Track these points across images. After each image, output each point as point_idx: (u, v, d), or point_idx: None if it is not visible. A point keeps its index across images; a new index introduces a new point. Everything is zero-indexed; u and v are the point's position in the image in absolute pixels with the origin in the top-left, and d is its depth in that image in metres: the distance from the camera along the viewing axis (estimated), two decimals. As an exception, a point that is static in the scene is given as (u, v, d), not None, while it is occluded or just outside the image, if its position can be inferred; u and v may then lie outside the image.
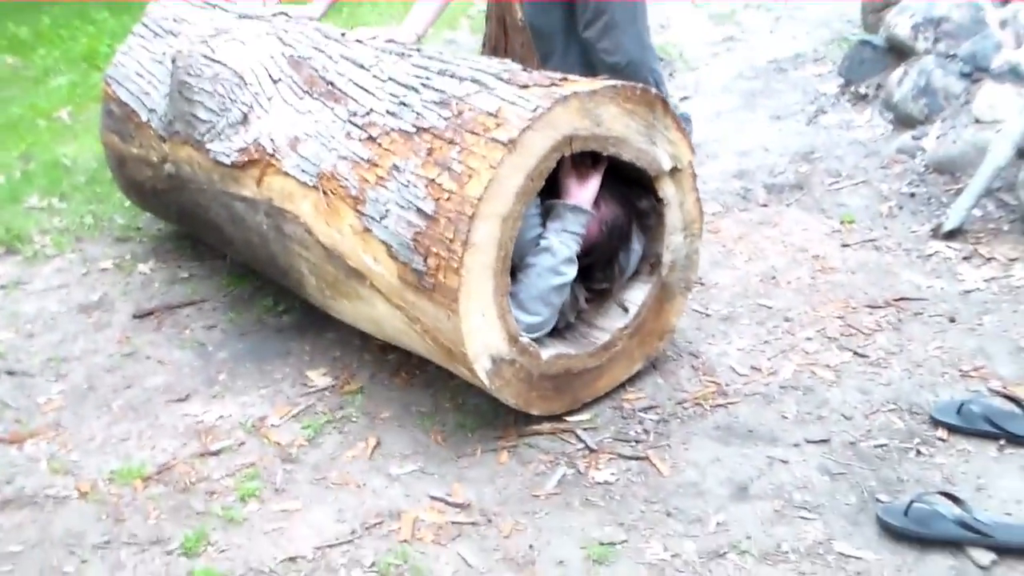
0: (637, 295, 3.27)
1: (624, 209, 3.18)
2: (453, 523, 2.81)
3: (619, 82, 2.92)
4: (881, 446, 2.91)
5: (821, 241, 4.09)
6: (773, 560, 2.56)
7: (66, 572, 2.74)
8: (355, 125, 3.15)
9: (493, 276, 2.81)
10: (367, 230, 2.99)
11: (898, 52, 5.21)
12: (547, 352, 3.05)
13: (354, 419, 3.28)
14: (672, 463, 2.94)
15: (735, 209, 4.46)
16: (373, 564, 2.68)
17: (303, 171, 3.24)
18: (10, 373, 3.71)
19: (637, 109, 2.94)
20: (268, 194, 3.41)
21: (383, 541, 2.77)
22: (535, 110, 2.75)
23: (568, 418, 3.17)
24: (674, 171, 3.11)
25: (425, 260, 2.81)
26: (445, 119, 2.92)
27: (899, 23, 5.15)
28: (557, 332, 3.19)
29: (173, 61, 3.90)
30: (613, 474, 2.93)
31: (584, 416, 3.18)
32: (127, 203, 4.95)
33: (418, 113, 3.00)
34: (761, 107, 5.61)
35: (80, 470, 3.15)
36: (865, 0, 5.96)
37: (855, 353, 3.34)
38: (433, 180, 2.81)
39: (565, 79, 2.93)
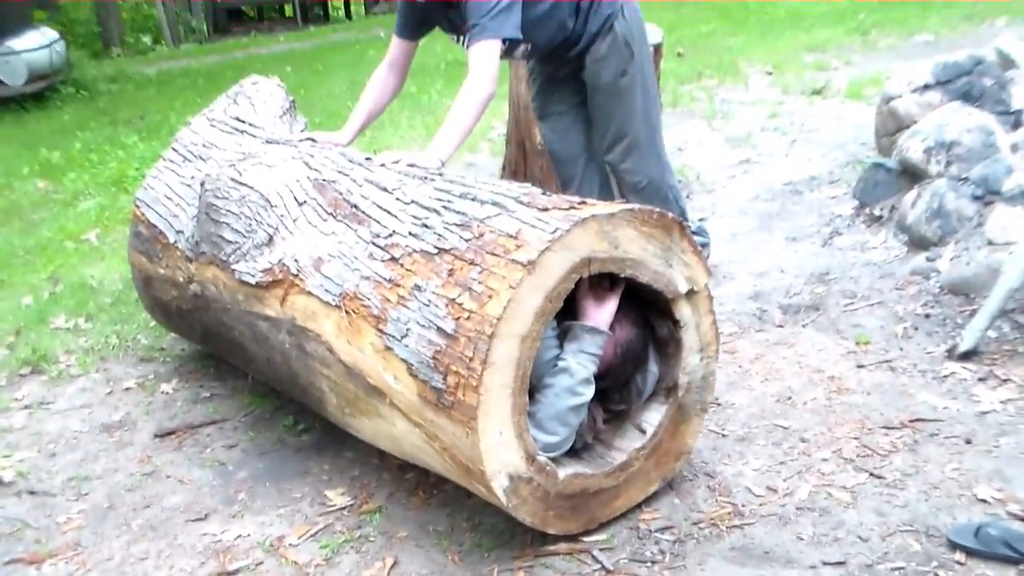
0: (654, 416, 3.30)
1: (640, 331, 3.23)
2: (470, 647, 2.81)
3: (637, 206, 2.99)
4: (898, 569, 2.90)
5: (836, 362, 4.11)
6: None
7: None
8: (378, 247, 3.23)
9: (511, 395, 2.85)
10: (388, 348, 3.04)
11: (911, 175, 5.29)
12: (564, 471, 3.07)
13: (372, 538, 3.29)
14: (688, 584, 2.93)
15: (751, 330, 4.50)
16: None
17: (326, 291, 3.31)
18: (31, 493, 3.74)
19: (654, 232, 3.01)
20: (291, 313, 3.47)
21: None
22: (554, 232, 2.81)
23: (584, 538, 3.17)
24: (690, 293, 3.16)
25: (445, 378, 2.85)
26: (466, 240, 2.98)
27: (911, 146, 5.24)
28: (574, 452, 3.21)
29: (202, 184, 4.01)
30: (629, 596, 2.93)
31: (600, 536, 3.18)
32: (152, 323, 5.04)
33: (439, 235, 3.07)
34: (777, 229, 5.68)
35: (98, 590, 3.17)
36: (878, 124, 6.06)
37: (871, 474, 3.34)
38: (454, 300, 2.87)
39: (584, 202, 3.00)
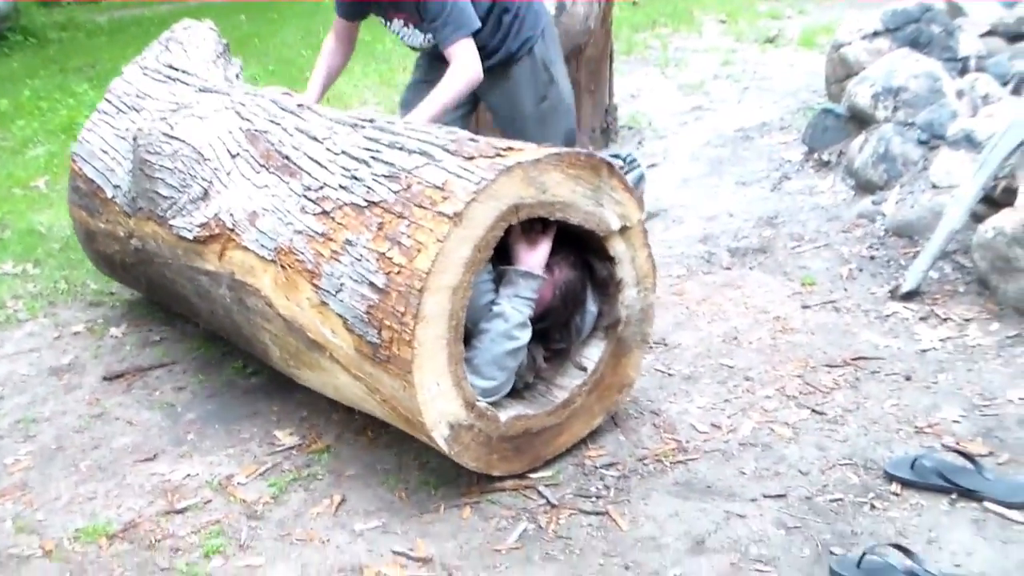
0: (594, 352, 3.33)
1: (577, 272, 3.25)
2: (415, 577, 2.84)
3: (563, 149, 3.01)
4: (836, 500, 2.96)
5: (782, 303, 4.17)
6: (728, 612, 2.60)
7: (28, 628, 2.76)
8: (309, 199, 3.23)
9: (446, 346, 2.87)
10: (324, 303, 3.06)
11: (859, 120, 5.34)
12: (505, 414, 3.11)
13: (320, 477, 3.32)
14: (631, 518, 2.98)
15: (699, 272, 4.55)
16: (334, 618, 2.71)
17: (262, 245, 3.31)
18: (-22, 435, 3.74)
19: (582, 173, 3.02)
20: (230, 268, 3.47)
21: (346, 596, 2.80)
22: (479, 182, 2.82)
23: (531, 475, 3.21)
24: (624, 229, 3.18)
25: (379, 333, 2.87)
26: (395, 193, 2.99)
27: (860, 92, 5.28)
28: (516, 393, 3.24)
29: (134, 139, 3.99)
30: (574, 528, 2.97)
31: (546, 472, 3.22)
32: (100, 269, 5.02)
33: (368, 187, 3.07)
34: (727, 174, 5.73)
35: (45, 529, 3.17)
36: (828, 71, 6.10)
37: (813, 411, 3.40)
38: (384, 254, 2.88)
39: (510, 148, 3.00)
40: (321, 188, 3.21)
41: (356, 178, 3.13)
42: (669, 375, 3.73)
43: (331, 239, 3.07)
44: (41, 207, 6.29)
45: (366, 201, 3.04)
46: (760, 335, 3.93)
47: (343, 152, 3.27)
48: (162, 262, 3.93)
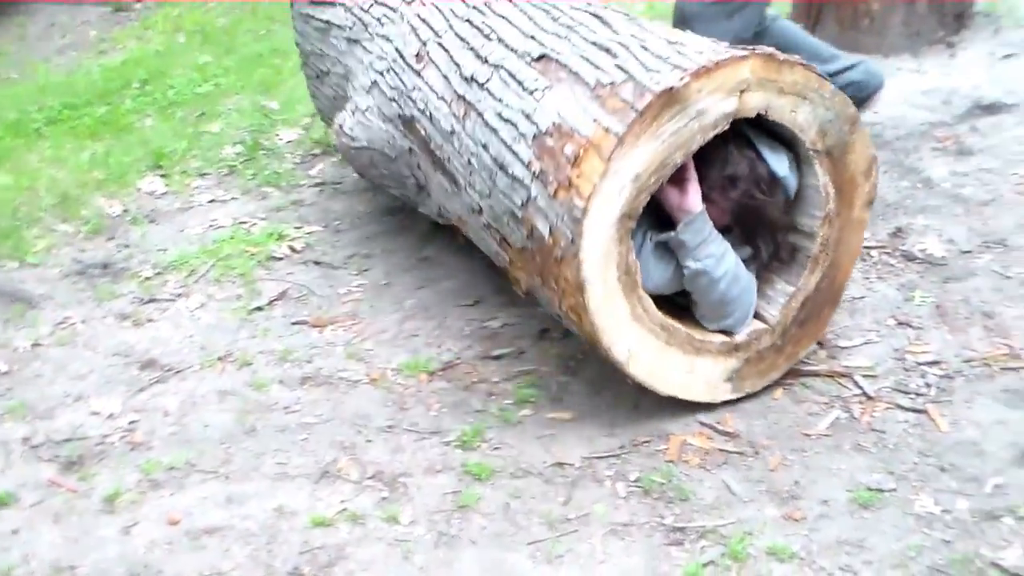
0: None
1: (746, 165, 2.87)
2: (720, 450, 2.84)
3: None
4: None
5: None
6: (1052, 530, 2.46)
7: (352, 448, 2.94)
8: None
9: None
10: None
11: None
12: (775, 307, 3.01)
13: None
14: (952, 420, 2.85)
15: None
16: (637, 479, 2.75)
17: None
18: (317, 263, 3.98)
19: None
20: None
21: (650, 459, 2.83)
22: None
23: (847, 363, 3.12)
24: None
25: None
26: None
27: None
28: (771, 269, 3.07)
29: None
30: (888, 423, 2.88)
31: (864, 363, 3.12)
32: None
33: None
34: (1093, 69, 5.24)
35: (372, 359, 3.36)
36: None
37: None
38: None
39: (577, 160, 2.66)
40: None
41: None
42: (1007, 277, 3.50)
43: None
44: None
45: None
46: (1116, 247, 3.62)
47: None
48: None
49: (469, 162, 3.04)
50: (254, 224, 4.34)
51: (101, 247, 4.28)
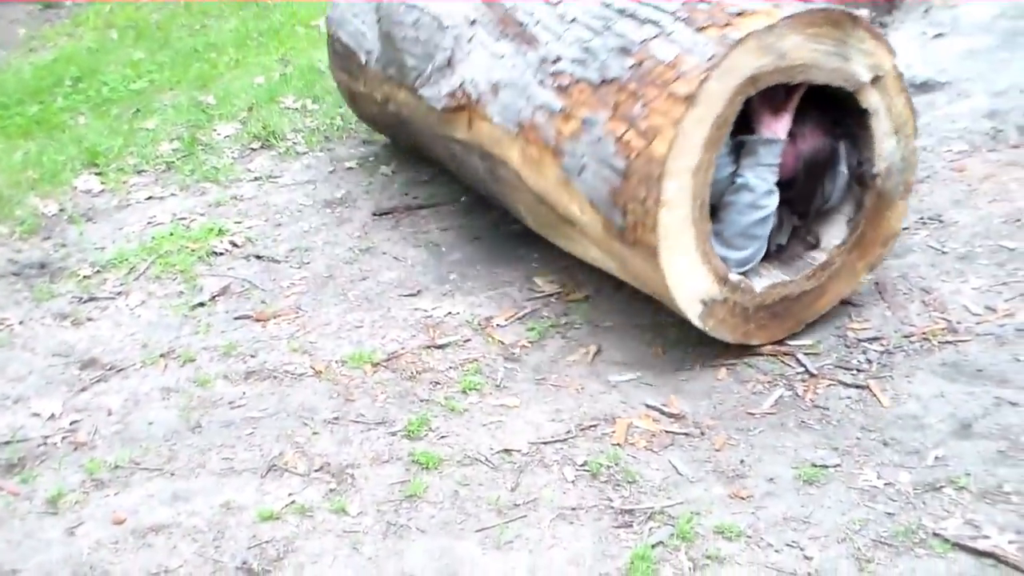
0: (852, 209, 3.20)
1: (826, 139, 3.10)
2: (666, 432, 2.86)
3: (798, 7, 2.82)
4: (1123, 397, 2.78)
5: (1070, 189, 3.88)
6: (992, 499, 2.49)
7: (298, 441, 2.92)
8: (547, 73, 3.18)
9: (692, 226, 2.83)
10: (568, 182, 3.05)
11: None
12: (761, 283, 3.05)
13: (577, 326, 3.35)
14: (893, 394, 2.89)
15: (983, 149, 4.27)
16: (585, 463, 2.76)
17: (506, 119, 3.31)
18: (259, 257, 3.95)
19: (822, 31, 2.84)
20: (479, 139, 3.50)
21: (597, 443, 2.84)
22: (711, 59, 2.70)
23: (790, 342, 3.15)
24: (876, 79, 3.00)
25: (624, 216, 2.85)
26: (627, 69, 2.91)
27: None
28: (771, 257, 3.16)
29: (376, 10, 4.00)
30: (831, 399, 2.91)
31: (806, 340, 3.15)
32: (374, 108, 5.17)
33: (602, 62, 3.00)
34: (1021, 48, 5.32)
35: (316, 351, 3.34)
36: None
37: (1103, 300, 3.19)
38: (621, 138, 2.84)
39: (741, 13, 2.84)
40: (557, 61, 3.16)
41: (589, 50, 3.06)
42: (943, 253, 3.55)
43: (571, 117, 3.03)
44: (321, 45, 6.40)
45: (600, 78, 2.98)
46: (1047, 218, 3.68)
47: (575, 20, 3.20)
48: (418, 128, 4.01)
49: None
50: (193, 220, 4.30)
51: (37, 247, 4.22)
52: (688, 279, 2.89)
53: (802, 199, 3.16)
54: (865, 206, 3.17)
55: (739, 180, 3.00)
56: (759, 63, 2.76)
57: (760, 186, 2.98)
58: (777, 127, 3.00)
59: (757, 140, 3.00)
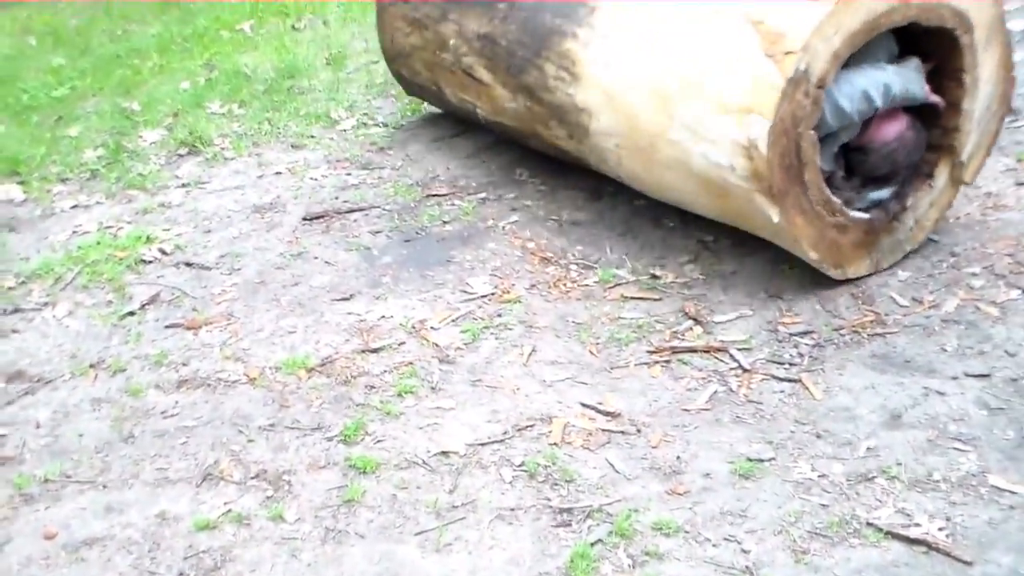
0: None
1: (920, 135, 3.39)
2: (603, 430, 2.87)
3: None
4: (1045, 384, 2.85)
5: (995, 179, 3.96)
6: (923, 488, 2.54)
7: (234, 449, 2.90)
8: None
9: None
10: None
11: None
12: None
13: (511, 327, 3.36)
14: (825, 387, 2.94)
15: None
16: (522, 464, 2.76)
17: None
18: (188, 265, 3.90)
19: None
20: None
21: (533, 443, 2.85)
22: None
23: (722, 337, 3.19)
24: None
25: None
26: None
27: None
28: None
29: None
30: (765, 394, 2.95)
31: (738, 336, 3.19)
32: (301, 112, 5.13)
33: None
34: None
35: (249, 358, 3.31)
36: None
37: None
38: None
39: None
40: None
41: None
42: (870, 247, 3.62)
43: None
44: (246, 49, 6.41)
45: None
46: (969, 211, 3.75)
47: None
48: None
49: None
50: (121, 228, 4.23)
51: (-41, 258, 4.14)
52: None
53: (860, 165, 3.39)
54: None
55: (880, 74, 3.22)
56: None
57: (894, 80, 3.22)
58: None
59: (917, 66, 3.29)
